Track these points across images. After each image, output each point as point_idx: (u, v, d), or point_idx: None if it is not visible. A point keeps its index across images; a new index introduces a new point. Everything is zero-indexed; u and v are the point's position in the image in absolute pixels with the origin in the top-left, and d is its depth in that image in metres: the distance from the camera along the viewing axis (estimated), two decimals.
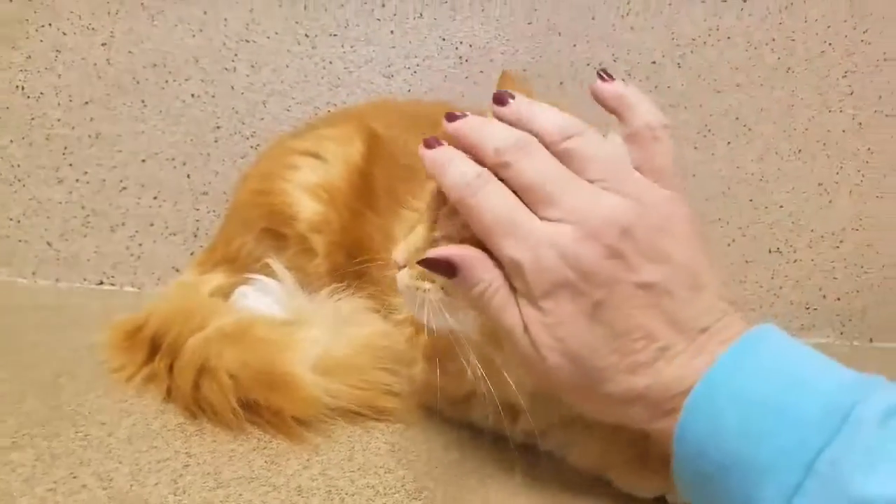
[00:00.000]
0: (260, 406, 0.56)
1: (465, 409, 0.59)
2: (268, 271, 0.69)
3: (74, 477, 0.47)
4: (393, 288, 0.62)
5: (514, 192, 0.42)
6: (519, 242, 0.40)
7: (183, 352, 0.60)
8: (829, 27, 1.02)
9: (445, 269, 0.43)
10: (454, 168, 0.42)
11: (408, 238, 0.49)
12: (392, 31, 0.97)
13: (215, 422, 0.56)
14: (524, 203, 0.41)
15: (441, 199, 0.47)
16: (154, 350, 0.63)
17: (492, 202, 0.41)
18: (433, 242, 0.47)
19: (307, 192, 0.70)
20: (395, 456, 0.55)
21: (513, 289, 0.42)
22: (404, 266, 0.48)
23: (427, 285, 0.46)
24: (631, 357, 0.40)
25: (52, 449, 0.51)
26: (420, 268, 0.46)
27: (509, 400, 0.50)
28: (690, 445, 0.38)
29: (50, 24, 0.94)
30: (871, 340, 1.08)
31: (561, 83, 1.00)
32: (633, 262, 0.40)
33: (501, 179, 0.42)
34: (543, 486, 0.52)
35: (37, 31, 0.94)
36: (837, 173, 1.06)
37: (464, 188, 0.42)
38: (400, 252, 0.49)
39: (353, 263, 0.66)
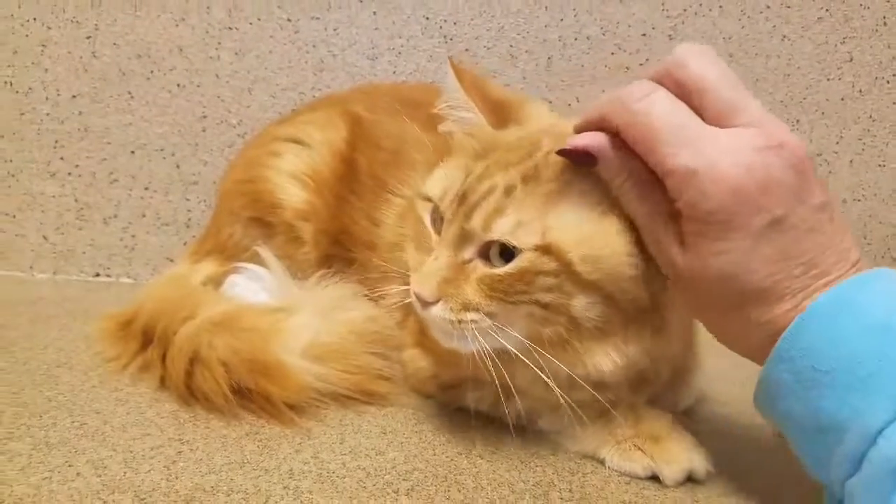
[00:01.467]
0: (251, 392, 0.57)
1: (458, 394, 0.60)
2: (257, 259, 0.70)
3: (70, 465, 0.48)
4: (383, 272, 0.63)
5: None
6: (694, 150, 0.38)
7: (175, 341, 0.60)
8: None
9: (585, 158, 0.43)
10: (614, 94, 0.41)
11: (426, 269, 0.48)
12: (375, 13, 0.97)
13: (208, 409, 0.57)
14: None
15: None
16: (147, 340, 0.63)
17: (661, 107, 0.39)
18: (463, 265, 0.47)
19: (291, 178, 0.70)
20: (386, 438, 0.56)
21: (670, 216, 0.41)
22: (436, 301, 0.47)
23: (474, 316, 0.46)
24: (786, 283, 0.40)
25: (48, 438, 0.51)
26: (459, 300, 0.46)
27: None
28: (806, 340, 0.39)
29: (35, 19, 0.93)
30: None
31: (549, 58, 1.00)
32: (812, 182, 0.39)
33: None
34: (535, 466, 0.53)
35: (22, 26, 0.94)
36: (837, 143, 1.04)
37: (627, 97, 0.40)
38: (425, 287, 0.47)
39: (341, 251, 0.66)
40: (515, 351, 0.47)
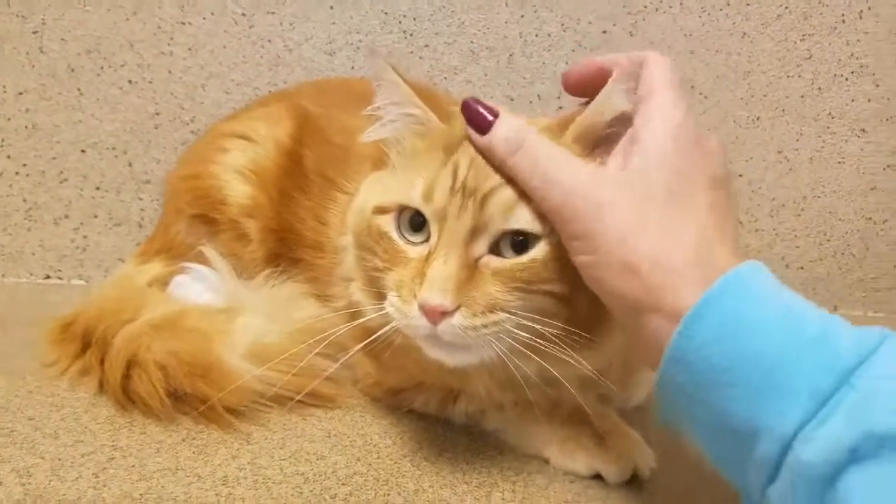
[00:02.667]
0: (189, 396, 0.55)
1: (405, 398, 0.59)
2: (203, 259, 0.68)
3: None
4: (330, 274, 0.61)
5: None
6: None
7: (113, 344, 0.58)
8: None
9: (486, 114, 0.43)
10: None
11: (435, 276, 0.42)
12: (332, 7, 0.95)
13: (145, 414, 0.56)
14: None
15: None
16: (86, 343, 0.61)
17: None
18: (474, 264, 0.44)
19: (236, 174, 0.68)
20: (329, 442, 0.54)
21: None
22: (455, 310, 0.42)
23: (499, 316, 0.42)
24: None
25: None
26: (483, 302, 0.42)
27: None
28: (704, 334, 0.35)
29: None
30: (835, 308, 1.09)
31: (510, 55, 0.99)
32: None
33: None
34: (480, 468, 0.52)
35: None
36: (797, 140, 1.05)
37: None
38: (443, 295, 0.42)
39: (287, 250, 0.64)
40: (526, 350, 0.44)
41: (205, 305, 0.64)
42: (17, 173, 0.94)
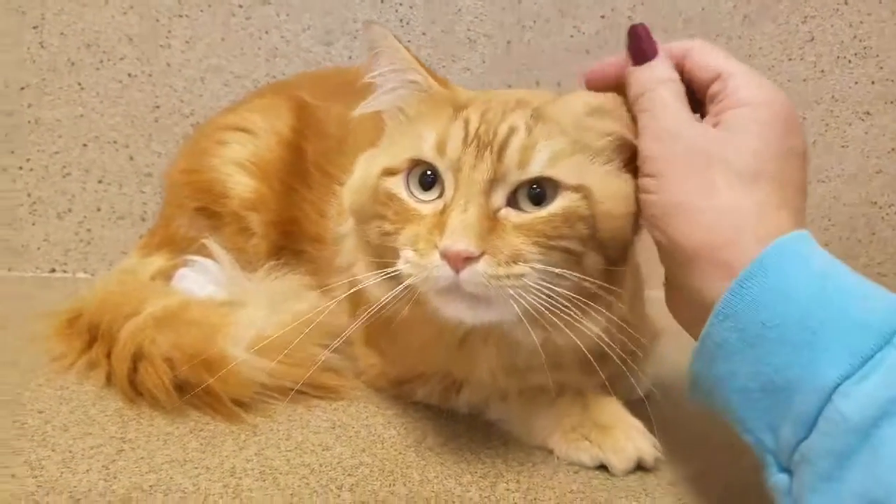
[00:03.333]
0: (195, 388, 0.56)
1: (409, 389, 0.60)
2: (205, 252, 0.69)
3: (5, 467, 0.47)
4: (331, 266, 0.61)
5: None
6: None
7: (119, 337, 0.59)
8: None
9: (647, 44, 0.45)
10: None
11: (457, 222, 0.42)
12: None
13: (153, 406, 0.56)
14: None
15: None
16: (93, 337, 0.62)
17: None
18: (493, 216, 0.43)
19: (237, 167, 0.68)
20: (334, 433, 0.55)
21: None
22: (480, 256, 0.41)
23: (522, 268, 0.42)
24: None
25: None
26: (506, 251, 0.42)
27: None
28: (756, 292, 0.37)
29: None
30: None
31: (508, 42, 0.98)
32: None
33: None
34: (484, 458, 0.52)
35: None
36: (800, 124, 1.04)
37: None
38: (467, 239, 0.41)
39: (290, 242, 0.65)
40: (542, 312, 0.43)
41: (207, 298, 0.65)
42: (20, 168, 0.94)
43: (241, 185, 0.68)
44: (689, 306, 0.41)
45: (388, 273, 0.46)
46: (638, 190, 0.44)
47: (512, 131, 0.44)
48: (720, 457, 0.54)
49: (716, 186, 0.40)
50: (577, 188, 0.44)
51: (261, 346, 0.58)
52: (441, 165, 0.45)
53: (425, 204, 0.46)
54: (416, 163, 0.46)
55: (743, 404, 0.38)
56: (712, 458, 0.54)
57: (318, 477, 0.49)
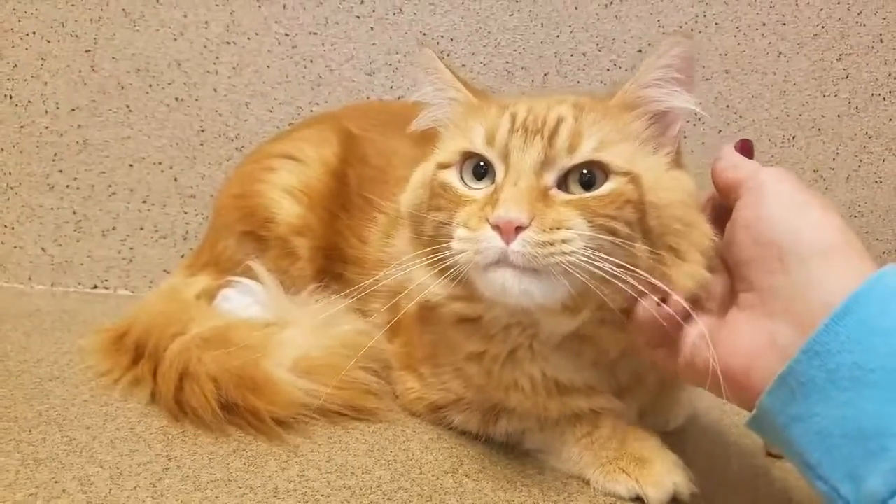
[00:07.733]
0: (239, 408, 0.57)
1: (446, 416, 0.60)
2: (250, 273, 0.70)
3: (56, 482, 0.48)
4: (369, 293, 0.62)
5: None
6: None
7: (165, 356, 0.60)
8: (821, 10, 1.01)
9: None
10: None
11: (509, 193, 0.43)
12: (372, 28, 0.97)
13: (197, 425, 0.57)
14: None
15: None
16: (139, 354, 0.63)
17: None
18: (544, 192, 0.45)
19: (285, 193, 0.70)
20: (373, 456, 0.56)
21: None
22: (529, 222, 0.43)
23: (566, 234, 0.43)
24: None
25: (36, 454, 0.52)
26: (551, 217, 0.43)
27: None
28: (850, 331, 0.34)
29: (34, 33, 0.95)
30: None
31: (545, 75, 1.00)
32: None
33: None
34: (521, 486, 0.52)
35: (21, 39, 0.95)
36: (834, 159, 1.04)
37: None
38: (518, 205, 0.43)
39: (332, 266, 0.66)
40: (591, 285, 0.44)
41: (251, 319, 0.66)
42: (67, 186, 0.97)
43: (287, 211, 0.70)
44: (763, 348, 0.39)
45: (442, 257, 0.47)
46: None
47: (560, 120, 0.47)
48: (755, 492, 0.53)
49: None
50: (626, 173, 0.45)
51: (304, 367, 0.59)
52: (491, 155, 0.48)
53: (477, 191, 0.48)
54: (468, 155, 0.49)
55: (819, 448, 0.35)
56: (747, 494, 0.54)
57: (360, 500, 0.49)
